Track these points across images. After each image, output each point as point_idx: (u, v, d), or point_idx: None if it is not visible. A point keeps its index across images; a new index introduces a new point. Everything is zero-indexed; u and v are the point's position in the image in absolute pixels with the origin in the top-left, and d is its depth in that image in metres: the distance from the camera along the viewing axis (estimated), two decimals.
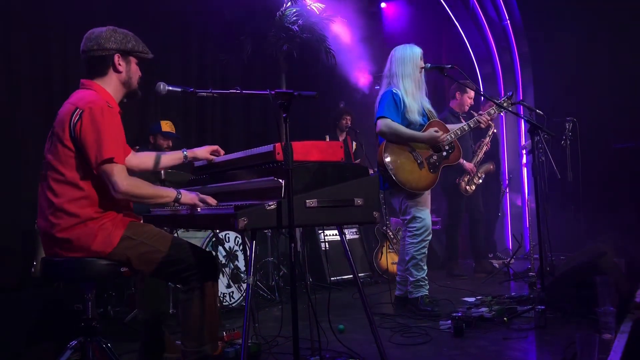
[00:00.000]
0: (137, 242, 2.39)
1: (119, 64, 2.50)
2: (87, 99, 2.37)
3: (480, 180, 5.77)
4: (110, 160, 2.28)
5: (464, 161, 5.58)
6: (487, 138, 5.70)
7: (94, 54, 2.46)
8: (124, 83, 2.55)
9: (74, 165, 2.33)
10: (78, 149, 2.31)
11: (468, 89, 5.71)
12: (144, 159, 2.84)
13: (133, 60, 2.55)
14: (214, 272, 2.56)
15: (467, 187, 5.64)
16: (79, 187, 2.33)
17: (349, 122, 6.23)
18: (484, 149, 5.71)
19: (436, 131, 4.02)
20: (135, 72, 2.57)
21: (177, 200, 2.45)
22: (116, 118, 2.39)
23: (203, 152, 2.96)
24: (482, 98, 6.42)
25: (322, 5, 6.46)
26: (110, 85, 2.51)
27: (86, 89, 2.47)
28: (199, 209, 2.49)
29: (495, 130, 5.88)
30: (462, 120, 5.47)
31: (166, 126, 4.85)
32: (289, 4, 6.11)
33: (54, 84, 4.80)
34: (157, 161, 2.88)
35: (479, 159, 5.68)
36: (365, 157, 6.06)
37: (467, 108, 5.80)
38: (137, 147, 4.75)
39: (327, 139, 5.98)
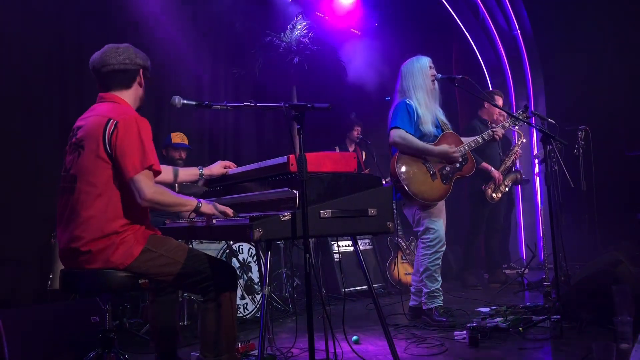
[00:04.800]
0: (156, 254, 2.42)
1: (142, 80, 2.59)
2: (119, 110, 2.42)
3: (507, 189, 5.76)
4: (150, 167, 2.35)
5: (492, 169, 5.58)
6: (516, 147, 5.69)
7: (125, 67, 2.51)
8: (140, 99, 2.62)
9: (105, 178, 2.36)
10: (113, 160, 2.35)
11: (496, 97, 5.72)
12: (163, 172, 2.87)
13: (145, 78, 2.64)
14: (232, 282, 2.57)
15: (494, 195, 5.63)
16: (108, 200, 2.36)
17: (360, 133, 6.26)
18: (512, 157, 5.70)
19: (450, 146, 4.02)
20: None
21: (197, 209, 2.49)
22: (149, 128, 2.44)
23: (218, 168, 3.00)
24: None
25: (333, 18, 6.52)
26: (130, 98, 2.57)
27: (109, 102, 2.51)
28: (214, 221, 2.52)
29: (524, 140, 5.87)
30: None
31: (177, 138, 4.88)
32: (300, 16, 6.18)
33: (68, 98, 4.86)
34: (175, 175, 2.92)
35: (506, 166, 5.67)
36: (376, 168, 6.08)
37: (496, 116, 5.80)
38: None
39: (337, 150, 6.02)
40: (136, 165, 2.31)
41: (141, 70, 2.57)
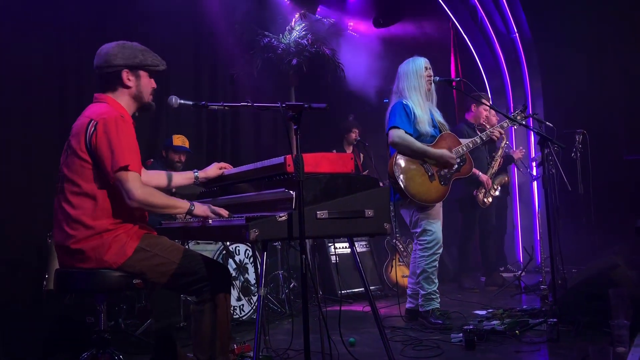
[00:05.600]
0: (150, 253, 2.41)
1: (128, 79, 2.53)
2: (101, 111, 2.42)
3: (497, 193, 5.77)
4: (126, 168, 2.32)
5: (480, 173, 5.58)
6: (501, 150, 5.69)
7: (104, 71, 2.51)
8: (135, 97, 2.58)
9: (90, 177, 2.37)
10: (94, 160, 2.36)
11: (483, 101, 5.72)
12: (155, 177, 2.86)
13: (143, 74, 2.57)
14: (227, 283, 2.57)
15: (485, 200, 5.63)
16: (95, 199, 2.37)
17: (358, 135, 6.25)
18: (499, 160, 5.70)
19: (450, 151, 4.01)
20: (147, 85, 2.59)
21: (190, 212, 2.47)
22: (130, 128, 2.43)
23: (213, 170, 2.98)
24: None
25: (332, 19, 6.52)
26: (122, 100, 2.55)
27: (100, 103, 2.52)
28: (210, 221, 2.51)
29: (507, 142, 5.88)
30: (477, 132, 5.48)
31: (178, 140, 4.85)
32: (298, 18, 6.17)
33: (67, 98, 4.85)
34: (169, 180, 2.91)
35: (493, 170, 5.67)
36: (374, 170, 6.07)
37: (482, 120, 5.81)
38: (152, 160, 4.77)
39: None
40: (113, 166, 2.31)
41: (124, 71, 2.51)
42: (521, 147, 6.47)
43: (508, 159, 6.32)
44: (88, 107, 2.53)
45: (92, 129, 2.35)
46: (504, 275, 6.12)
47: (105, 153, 2.32)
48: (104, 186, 2.38)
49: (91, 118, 2.39)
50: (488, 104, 5.66)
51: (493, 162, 5.68)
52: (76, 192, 2.38)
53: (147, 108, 2.65)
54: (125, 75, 2.52)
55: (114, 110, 2.44)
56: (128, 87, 2.54)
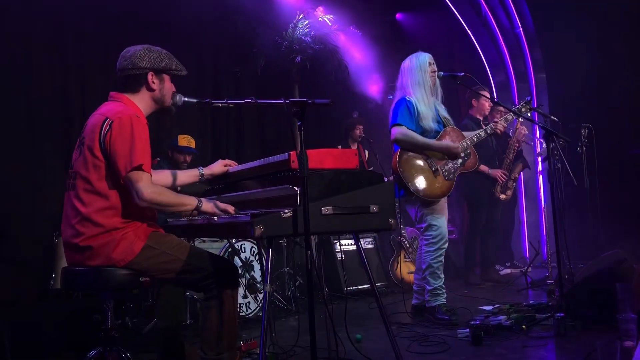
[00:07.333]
0: (158, 251, 2.42)
1: (153, 82, 2.55)
2: (116, 110, 2.43)
3: (515, 183, 5.73)
4: (139, 168, 2.32)
5: (489, 170, 5.54)
6: (514, 137, 5.63)
7: (129, 73, 2.52)
8: (157, 100, 2.60)
9: (102, 175, 2.37)
10: (107, 159, 2.36)
11: (482, 93, 5.70)
12: (161, 176, 2.87)
13: (167, 77, 2.60)
14: (234, 280, 2.57)
15: (502, 195, 5.60)
16: (106, 197, 2.38)
17: (362, 132, 6.24)
18: (513, 149, 5.64)
19: (452, 141, 4.01)
20: (169, 89, 2.62)
21: (198, 208, 2.48)
22: (144, 128, 2.43)
23: (218, 167, 2.99)
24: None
25: (334, 17, 6.51)
26: (142, 101, 2.56)
27: (115, 102, 2.53)
28: (215, 218, 2.51)
29: (524, 128, 5.83)
30: (483, 126, 5.46)
31: (183, 140, 4.83)
32: (301, 15, 6.16)
33: (71, 97, 4.86)
34: (174, 178, 2.91)
35: (509, 160, 5.63)
36: (379, 166, 6.06)
37: (487, 112, 5.77)
38: (158, 159, 4.77)
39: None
40: (127, 165, 2.31)
41: (150, 74, 2.53)
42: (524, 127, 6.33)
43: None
44: (103, 105, 2.54)
45: (107, 127, 2.35)
46: (511, 270, 6.10)
47: (119, 152, 2.33)
48: (116, 185, 2.38)
49: (106, 116, 2.39)
50: (487, 96, 5.63)
51: (508, 152, 5.63)
52: (88, 189, 2.38)
53: (168, 111, 2.67)
54: (151, 78, 2.54)
55: (129, 110, 2.45)
56: (152, 90, 2.56)
